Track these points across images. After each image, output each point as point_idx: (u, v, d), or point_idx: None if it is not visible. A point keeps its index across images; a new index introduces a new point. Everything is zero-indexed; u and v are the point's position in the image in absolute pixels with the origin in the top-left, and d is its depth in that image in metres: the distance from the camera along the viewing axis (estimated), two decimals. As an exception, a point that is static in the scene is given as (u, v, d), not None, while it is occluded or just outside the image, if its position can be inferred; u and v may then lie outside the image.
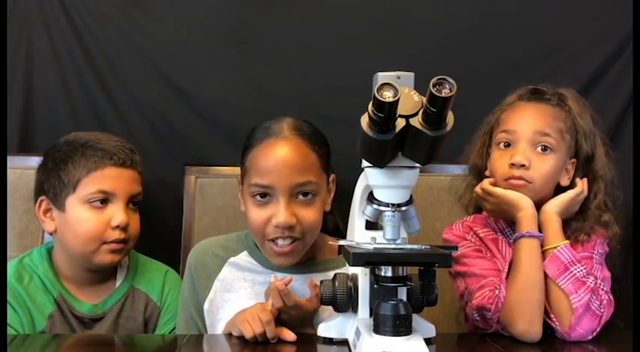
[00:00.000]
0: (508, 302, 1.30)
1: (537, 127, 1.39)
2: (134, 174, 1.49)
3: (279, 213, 1.27)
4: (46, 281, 1.46)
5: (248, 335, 1.22)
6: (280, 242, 1.30)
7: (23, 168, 1.72)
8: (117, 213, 1.43)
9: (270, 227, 1.29)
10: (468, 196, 1.53)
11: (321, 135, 1.37)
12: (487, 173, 1.48)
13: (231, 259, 1.43)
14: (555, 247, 1.33)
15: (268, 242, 1.32)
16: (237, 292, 1.40)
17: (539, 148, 1.39)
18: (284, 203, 1.27)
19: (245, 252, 1.43)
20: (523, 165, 1.37)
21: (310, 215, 1.30)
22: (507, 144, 1.42)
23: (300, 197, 1.29)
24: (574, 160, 1.43)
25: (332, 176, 1.40)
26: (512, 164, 1.38)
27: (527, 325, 1.28)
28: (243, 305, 1.33)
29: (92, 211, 1.42)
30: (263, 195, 1.29)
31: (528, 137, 1.39)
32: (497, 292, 1.32)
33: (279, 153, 1.28)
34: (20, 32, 1.88)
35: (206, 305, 1.41)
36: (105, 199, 1.43)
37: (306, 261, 1.40)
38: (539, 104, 1.44)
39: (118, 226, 1.43)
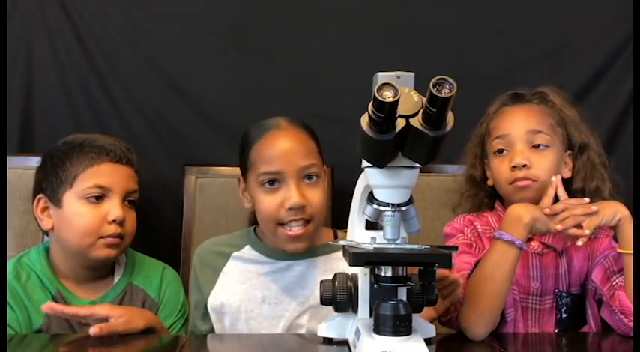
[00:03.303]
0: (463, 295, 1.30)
1: (529, 126, 1.42)
2: (130, 171, 1.51)
3: (290, 195, 1.32)
4: (44, 278, 1.46)
5: None
6: (294, 225, 1.34)
7: (23, 168, 1.72)
8: (113, 208, 1.45)
9: (283, 211, 1.33)
10: (466, 206, 1.55)
11: (312, 129, 1.42)
12: (490, 182, 1.51)
13: (235, 253, 1.46)
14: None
15: (281, 228, 1.35)
16: (243, 284, 1.42)
17: (535, 147, 1.41)
18: (294, 185, 1.33)
19: (248, 246, 1.46)
20: (524, 165, 1.39)
21: (317, 196, 1.35)
22: (503, 150, 1.44)
23: (306, 180, 1.35)
24: (569, 152, 1.45)
25: (325, 168, 1.45)
26: (514, 166, 1.40)
27: (470, 323, 1.27)
28: (249, 297, 1.39)
29: (88, 206, 1.44)
30: (272, 183, 1.34)
31: (522, 138, 1.41)
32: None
33: (283, 142, 1.35)
34: (20, 33, 1.88)
35: (211, 299, 1.43)
36: (101, 194, 1.45)
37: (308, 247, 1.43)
38: (524, 105, 1.47)
39: (114, 221, 1.44)
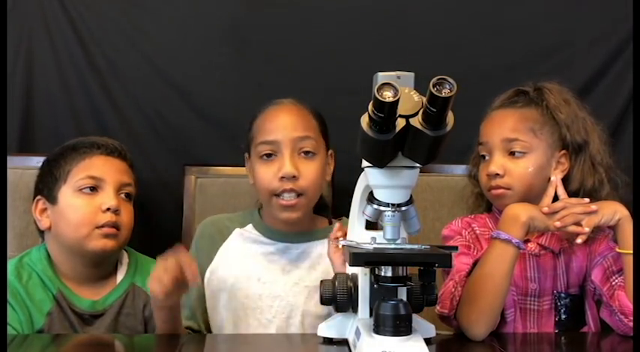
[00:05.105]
0: (462, 295, 1.30)
1: (503, 135, 1.41)
2: (123, 165, 1.53)
3: (284, 164, 1.39)
4: (45, 278, 1.46)
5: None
6: (286, 195, 1.40)
7: (23, 168, 1.72)
8: (107, 197, 1.46)
9: (276, 181, 1.39)
10: (480, 203, 1.54)
11: (318, 111, 1.49)
12: None
13: (238, 230, 1.50)
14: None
15: (275, 197, 1.41)
16: (241, 261, 1.46)
17: (510, 154, 1.41)
18: (288, 155, 1.39)
19: (250, 225, 1.51)
20: (497, 174, 1.40)
21: (311, 171, 1.41)
22: (485, 156, 1.45)
23: (302, 154, 1.41)
24: (564, 151, 1.43)
25: (330, 151, 1.50)
26: (488, 175, 1.42)
27: (470, 323, 1.27)
28: (246, 275, 1.44)
29: (83, 198, 1.46)
30: (269, 155, 1.41)
31: (498, 146, 1.42)
32: (453, 290, 1.31)
33: (281, 114, 1.44)
34: (20, 32, 1.88)
35: (207, 274, 1.47)
36: (94, 185, 1.47)
37: (306, 231, 1.48)
38: (506, 110, 1.46)
39: (108, 209, 1.45)
